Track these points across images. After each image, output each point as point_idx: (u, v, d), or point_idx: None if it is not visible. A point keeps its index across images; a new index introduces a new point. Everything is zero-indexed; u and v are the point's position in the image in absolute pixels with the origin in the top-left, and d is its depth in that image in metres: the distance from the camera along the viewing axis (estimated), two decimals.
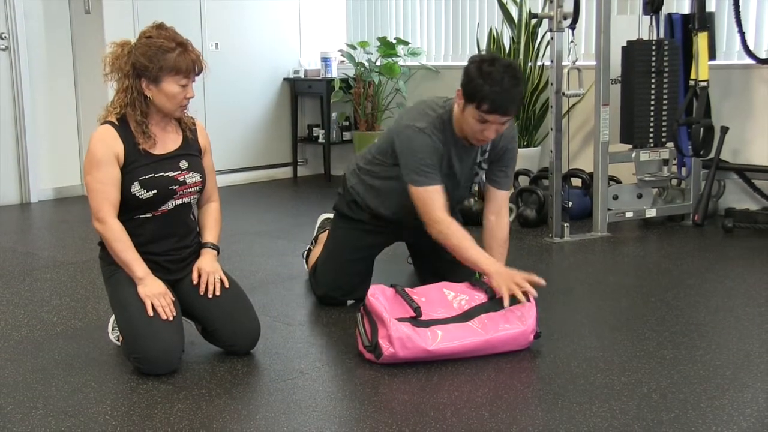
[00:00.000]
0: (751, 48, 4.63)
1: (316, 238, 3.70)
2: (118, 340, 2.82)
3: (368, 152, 3.27)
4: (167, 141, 2.73)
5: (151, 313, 2.60)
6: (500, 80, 2.78)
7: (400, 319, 2.66)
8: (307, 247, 3.74)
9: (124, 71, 2.63)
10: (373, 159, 3.22)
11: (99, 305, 3.32)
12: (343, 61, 6.51)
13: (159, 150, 2.70)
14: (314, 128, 6.71)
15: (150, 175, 2.66)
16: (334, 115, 6.57)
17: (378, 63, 6.25)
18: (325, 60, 6.52)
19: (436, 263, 3.32)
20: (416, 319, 2.67)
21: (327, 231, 3.70)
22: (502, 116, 2.86)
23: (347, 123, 6.64)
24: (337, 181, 6.49)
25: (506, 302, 2.67)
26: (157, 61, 2.58)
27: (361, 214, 3.28)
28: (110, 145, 2.62)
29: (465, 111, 2.89)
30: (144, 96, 2.64)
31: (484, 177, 3.19)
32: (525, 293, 2.71)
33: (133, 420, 2.30)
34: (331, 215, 3.80)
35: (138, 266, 2.65)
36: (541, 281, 2.77)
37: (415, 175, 2.91)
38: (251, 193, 6.07)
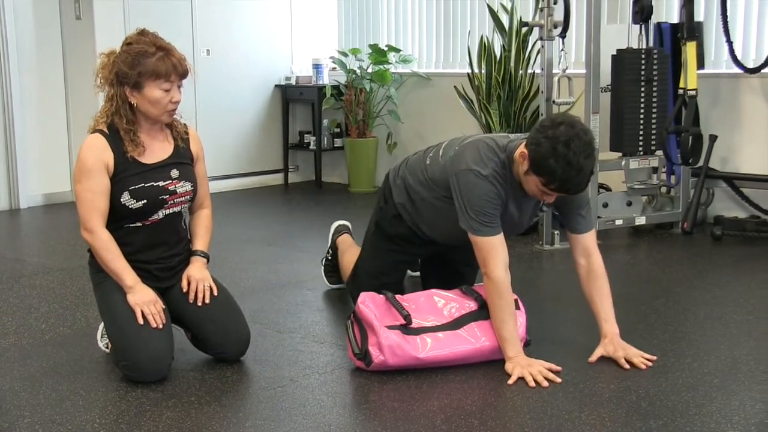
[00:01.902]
0: (739, 57, 4.66)
1: (332, 246, 3.65)
2: (107, 348, 2.81)
3: (419, 171, 3.02)
4: (158, 150, 2.71)
5: (141, 321, 2.59)
6: (575, 164, 2.51)
7: (390, 327, 2.66)
8: (325, 255, 3.69)
9: (108, 80, 2.63)
10: (426, 183, 2.99)
11: (88, 312, 3.31)
12: (334, 68, 6.51)
13: (149, 159, 2.68)
14: (305, 135, 6.71)
15: (140, 185, 2.65)
16: (325, 121, 6.57)
17: (369, 70, 6.26)
18: (317, 67, 6.53)
19: (445, 270, 3.26)
20: (406, 327, 2.67)
21: (343, 234, 3.63)
22: (569, 195, 2.69)
23: (338, 130, 6.65)
24: (328, 187, 6.54)
25: (511, 381, 2.58)
26: (137, 67, 2.57)
27: (404, 229, 3.13)
28: (100, 154, 2.61)
29: (528, 176, 2.63)
30: (129, 103, 2.63)
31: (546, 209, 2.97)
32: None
33: (122, 428, 2.29)
34: (344, 222, 3.76)
35: (127, 275, 2.64)
36: (558, 371, 2.61)
37: (476, 224, 2.69)
38: (242, 200, 6.06)
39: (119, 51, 2.64)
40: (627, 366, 2.69)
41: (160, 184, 2.68)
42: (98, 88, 2.67)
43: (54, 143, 5.88)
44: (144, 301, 2.62)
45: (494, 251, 2.69)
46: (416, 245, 3.18)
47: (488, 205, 2.70)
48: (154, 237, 2.72)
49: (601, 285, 2.83)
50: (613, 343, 2.76)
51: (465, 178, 2.73)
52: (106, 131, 2.64)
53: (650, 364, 2.71)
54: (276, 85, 6.65)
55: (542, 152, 2.54)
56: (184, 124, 2.82)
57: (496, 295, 2.68)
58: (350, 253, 3.49)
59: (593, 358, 2.74)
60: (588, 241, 2.84)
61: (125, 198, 2.63)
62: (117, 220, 2.66)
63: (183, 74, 2.65)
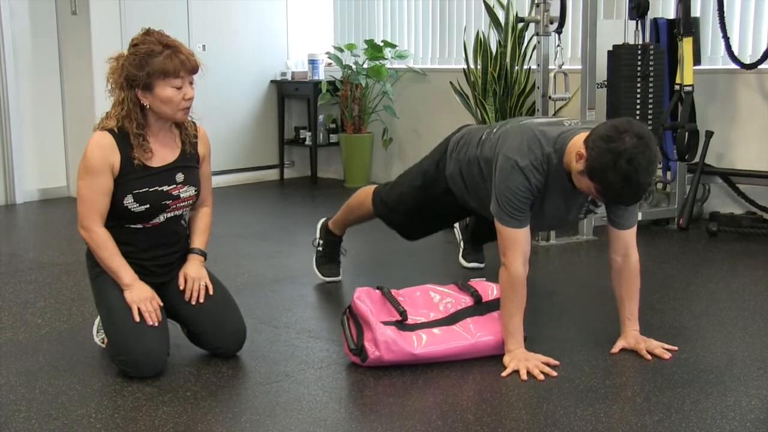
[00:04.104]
0: (736, 53, 4.66)
1: (322, 234, 3.64)
2: (102, 343, 2.81)
3: (473, 151, 2.95)
4: (165, 153, 2.68)
5: (138, 318, 2.58)
6: (635, 181, 2.42)
7: (385, 323, 2.66)
8: (315, 247, 3.69)
9: (119, 84, 2.59)
10: (479, 164, 2.92)
11: (84, 307, 3.31)
12: (330, 64, 6.50)
13: (155, 162, 2.65)
14: (301, 130, 6.70)
15: (144, 189, 2.62)
16: (321, 117, 6.56)
17: (365, 65, 6.25)
18: (312, 62, 6.52)
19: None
20: (402, 323, 2.67)
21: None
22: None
23: (334, 125, 6.64)
24: (324, 183, 6.53)
25: (505, 374, 2.59)
26: (145, 67, 2.54)
27: (451, 196, 3.15)
28: (107, 153, 2.58)
29: (581, 178, 2.54)
30: (141, 106, 2.59)
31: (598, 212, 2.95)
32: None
33: (118, 423, 2.29)
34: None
35: (125, 273, 2.63)
36: (556, 366, 2.63)
37: (502, 213, 2.66)
38: (238, 195, 6.06)
39: (127, 53, 2.60)
40: (649, 357, 2.72)
41: (164, 188, 2.65)
42: (109, 93, 2.63)
43: (50, 138, 5.86)
44: (141, 298, 2.61)
45: (516, 244, 2.67)
46: (454, 209, 3.22)
47: (517, 197, 2.64)
48: (153, 239, 2.71)
49: (634, 286, 2.81)
50: (634, 337, 2.80)
51: (502, 164, 2.68)
52: (115, 130, 2.60)
53: (670, 355, 2.74)
54: (271, 81, 6.64)
55: (602, 164, 2.43)
56: (194, 124, 2.80)
57: (510, 287, 2.67)
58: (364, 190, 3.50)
59: (615, 350, 2.78)
60: (629, 237, 2.78)
61: (128, 201, 2.61)
62: (117, 218, 2.64)
63: (192, 70, 2.62)
